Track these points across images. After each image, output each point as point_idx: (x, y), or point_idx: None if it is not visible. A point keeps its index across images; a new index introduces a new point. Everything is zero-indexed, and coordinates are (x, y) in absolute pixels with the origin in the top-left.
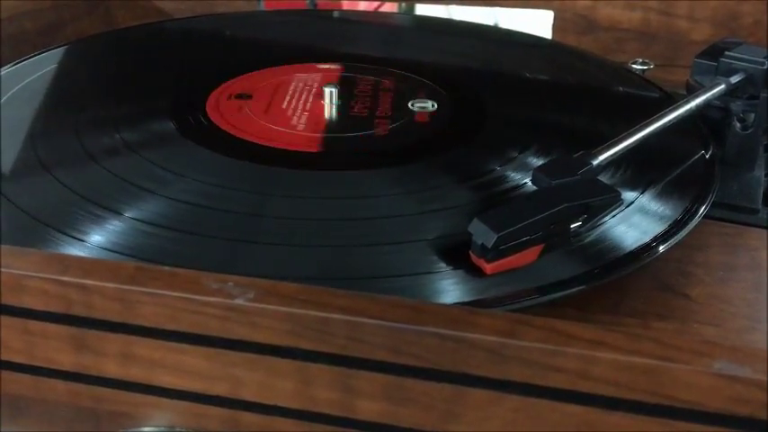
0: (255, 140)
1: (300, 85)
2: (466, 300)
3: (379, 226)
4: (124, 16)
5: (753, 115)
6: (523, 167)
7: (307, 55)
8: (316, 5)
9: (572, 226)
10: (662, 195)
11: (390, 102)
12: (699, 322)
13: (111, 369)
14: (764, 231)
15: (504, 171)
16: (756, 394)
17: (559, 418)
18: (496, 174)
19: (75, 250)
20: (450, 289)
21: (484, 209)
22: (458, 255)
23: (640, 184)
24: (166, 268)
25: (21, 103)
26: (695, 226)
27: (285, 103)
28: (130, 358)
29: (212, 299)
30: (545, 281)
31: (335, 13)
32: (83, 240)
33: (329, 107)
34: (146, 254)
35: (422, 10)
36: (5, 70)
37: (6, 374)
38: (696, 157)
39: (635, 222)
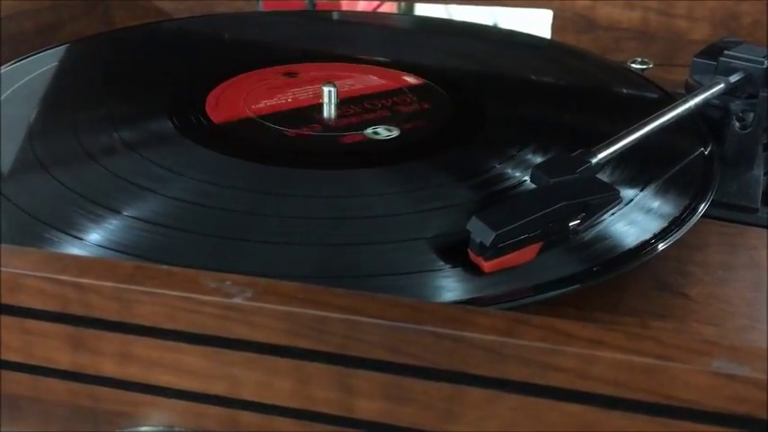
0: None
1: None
2: (464, 298)
3: (378, 224)
4: (123, 16)
5: (752, 114)
6: (522, 166)
7: (306, 55)
8: (314, 6)
9: (571, 224)
10: (661, 193)
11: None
12: (698, 321)
13: (109, 368)
14: (764, 231)
15: (502, 169)
16: (755, 393)
17: (558, 417)
18: (495, 172)
19: (73, 249)
20: (448, 287)
21: (482, 207)
22: (456, 253)
23: (639, 183)
24: (164, 267)
25: (19, 102)
26: (694, 224)
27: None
28: (128, 357)
29: (210, 298)
30: (543, 279)
31: (335, 14)
32: (81, 239)
33: (328, 107)
34: (143, 252)
35: (421, 10)
36: (4, 69)
37: (4, 374)
38: (695, 154)
39: (634, 220)
